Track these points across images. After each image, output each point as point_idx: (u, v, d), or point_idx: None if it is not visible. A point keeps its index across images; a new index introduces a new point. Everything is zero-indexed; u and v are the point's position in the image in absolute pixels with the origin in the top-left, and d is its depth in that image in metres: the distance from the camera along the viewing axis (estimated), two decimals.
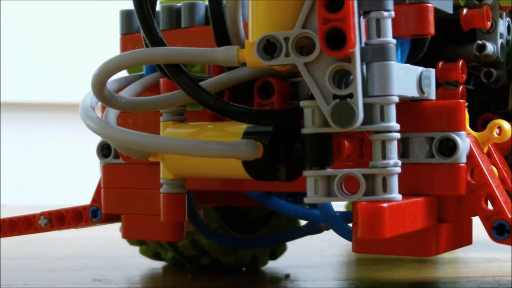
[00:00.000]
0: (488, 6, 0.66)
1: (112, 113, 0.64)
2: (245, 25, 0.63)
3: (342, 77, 0.53)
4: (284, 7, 0.55)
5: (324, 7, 0.52)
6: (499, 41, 0.69)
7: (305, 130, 0.55)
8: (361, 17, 0.53)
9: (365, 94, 0.53)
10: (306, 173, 0.55)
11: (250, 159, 0.59)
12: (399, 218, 0.53)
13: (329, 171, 0.54)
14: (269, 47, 0.54)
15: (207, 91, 0.60)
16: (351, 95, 0.52)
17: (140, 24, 0.62)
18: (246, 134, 0.60)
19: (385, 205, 0.51)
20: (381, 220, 0.51)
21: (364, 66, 0.53)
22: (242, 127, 0.61)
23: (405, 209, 0.54)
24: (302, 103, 0.55)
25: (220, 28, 0.63)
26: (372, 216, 0.51)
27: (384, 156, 0.53)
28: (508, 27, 0.71)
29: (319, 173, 0.54)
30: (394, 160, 0.53)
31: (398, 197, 0.53)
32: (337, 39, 0.51)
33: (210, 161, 0.63)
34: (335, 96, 0.53)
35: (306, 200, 0.54)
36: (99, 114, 0.63)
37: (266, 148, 0.59)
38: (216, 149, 0.58)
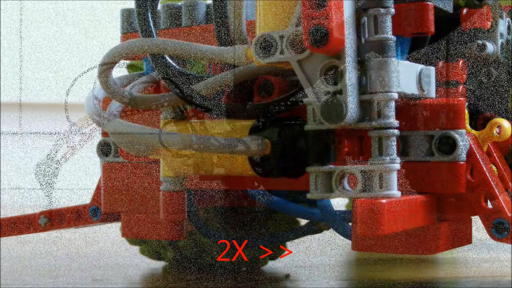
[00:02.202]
0: (488, 6, 0.66)
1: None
2: (248, 23, 0.63)
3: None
4: (289, 7, 0.56)
5: (308, 5, 0.52)
6: (499, 41, 0.69)
7: (307, 127, 0.55)
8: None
9: (366, 91, 0.53)
10: (308, 169, 0.55)
11: (258, 156, 0.59)
12: (398, 215, 0.53)
13: (329, 167, 0.54)
14: (266, 46, 0.55)
15: (189, 88, 0.60)
16: (341, 92, 0.53)
17: (138, 25, 0.62)
18: (253, 131, 0.61)
19: (383, 201, 0.52)
20: (379, 216, 0.51)
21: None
22: (247, 124, 0.61)
23: (404, 206, 0.54)
24: (305, 100, 0.55)
25: (222, 27, 0.63)
26: (370, 212, 0.51)
27: (381, 153, 0.53)
28: (508, 27, 0.71)
29: (320, 169, 0.54)
30: (391, 157, 0.53)
31: (397, 194, 0.53)
32: (324, 36, 0.52)
33: (213, 159, 0.63)
34: (327, 93, 0.53)
35: (308, 196, 0.55)
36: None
37: (274, 145, 0.59)
38: (224, 145, 0.58)
